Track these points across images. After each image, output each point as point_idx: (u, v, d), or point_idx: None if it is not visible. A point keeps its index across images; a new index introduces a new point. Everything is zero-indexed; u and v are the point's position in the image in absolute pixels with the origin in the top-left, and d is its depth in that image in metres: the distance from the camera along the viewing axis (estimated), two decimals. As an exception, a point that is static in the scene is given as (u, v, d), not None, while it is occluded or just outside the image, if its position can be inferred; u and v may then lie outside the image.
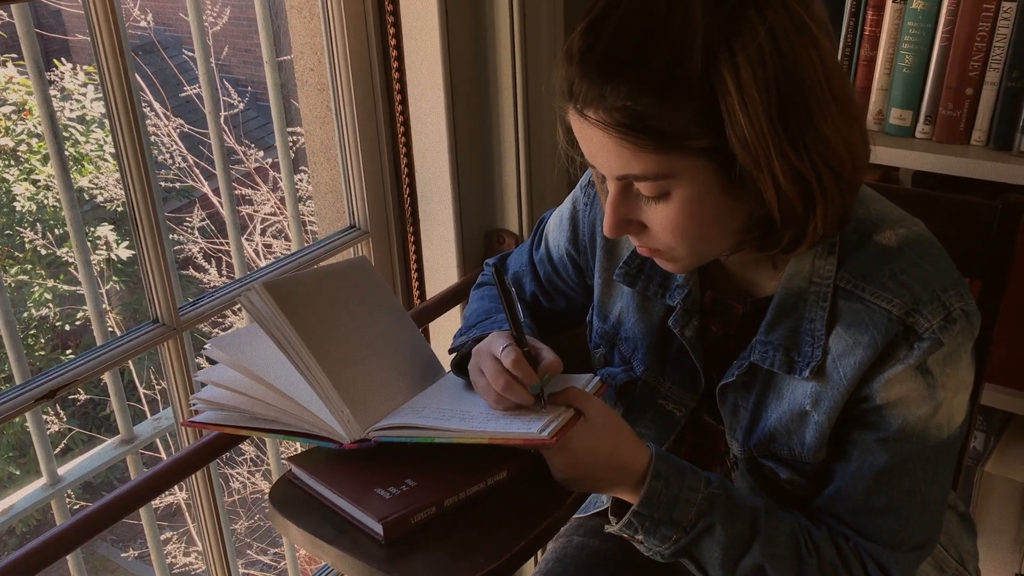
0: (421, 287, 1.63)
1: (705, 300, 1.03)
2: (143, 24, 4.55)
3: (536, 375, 0.97)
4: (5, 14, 5.33)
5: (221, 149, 1.45)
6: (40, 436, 1.31)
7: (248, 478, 4.89)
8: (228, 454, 4.79)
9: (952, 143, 1.37)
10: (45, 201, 5.89)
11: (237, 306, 1.44)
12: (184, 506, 4.94)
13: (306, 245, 1.53)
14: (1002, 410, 1.47)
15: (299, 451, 1.05)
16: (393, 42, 1.47)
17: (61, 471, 1.37)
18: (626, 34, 0.80)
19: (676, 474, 0.95)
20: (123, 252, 5.99)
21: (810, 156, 0.81)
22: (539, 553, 1.65)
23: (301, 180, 4.39)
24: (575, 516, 1.26)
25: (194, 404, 1.04)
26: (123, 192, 1.20)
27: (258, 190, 4.28)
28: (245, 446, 4.78)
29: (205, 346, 1.06)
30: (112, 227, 6.03)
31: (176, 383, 1.31)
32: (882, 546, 0.95)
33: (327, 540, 0.93)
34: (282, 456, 1.98)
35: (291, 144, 1.73)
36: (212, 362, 1.07)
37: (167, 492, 4.78)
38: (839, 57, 1.43)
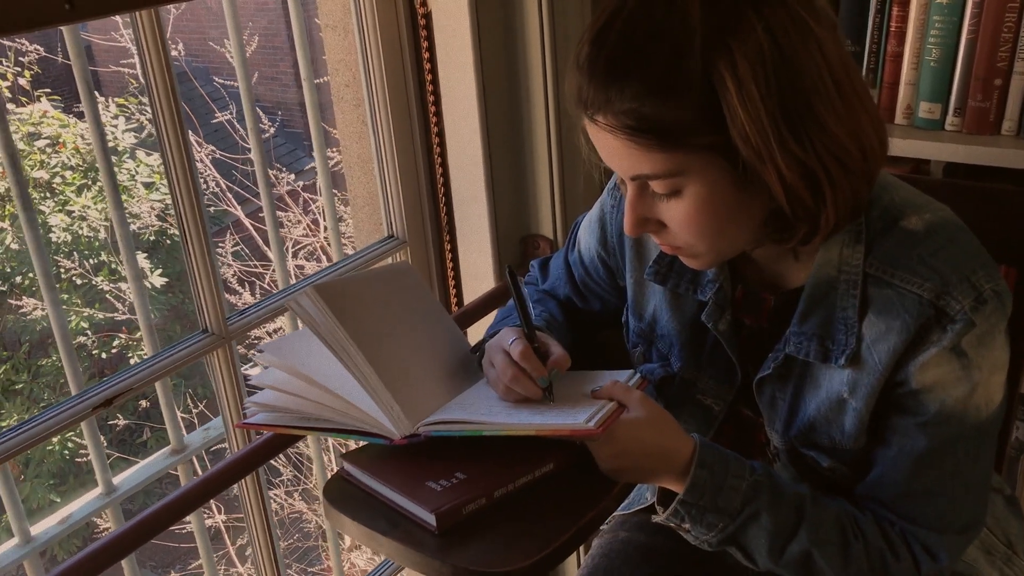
0: (459, 293, 1.66)
1: (736, 294, 1.05)
2: (174, 54, 4.65)
3: (544, 369, 1.00)
4: (42, 48, 5.46)
5: (262, 160, 1.49)
6: (95, 445, 1.35)
7: (285, 499, 4.93)
8: (265, 475, 4.83)
9: (982, 134, 1.38)
10: (80, 231, 5.99)
11: (275, 320, 1.47)
12: (223, 528, 4.99)
13: (347, 255, 1.56)
14: (1043, 398, 1.47)
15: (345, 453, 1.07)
16: (427, 55, 1.51)
17: (115, 480, 1.40)
18: (628, 40, 0.83)
19: (720, 463, 0.96)
20: (156, 280, 6.08)
21: (815, 149, 0.83)
22: (582, 552, 1.67)
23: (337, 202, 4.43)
24: (619, 513, 1.28)
25: (247, 407, 1.07)
26: (171, 207, 1.23)
27: (290, 212, 4.35)
28: (282, 467, 4.82)
29: (255, 351, 1.09)
30: (146, 255, 6.12)
31: (225, 390, 1.35)
32: (928, 530, 0.95)
33: (382, 532, 0.96)
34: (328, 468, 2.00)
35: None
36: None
37: (207, 515, 4.83)
38: (865, 54, 1.45)
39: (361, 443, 1.06)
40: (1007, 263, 1.20)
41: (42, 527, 1.33)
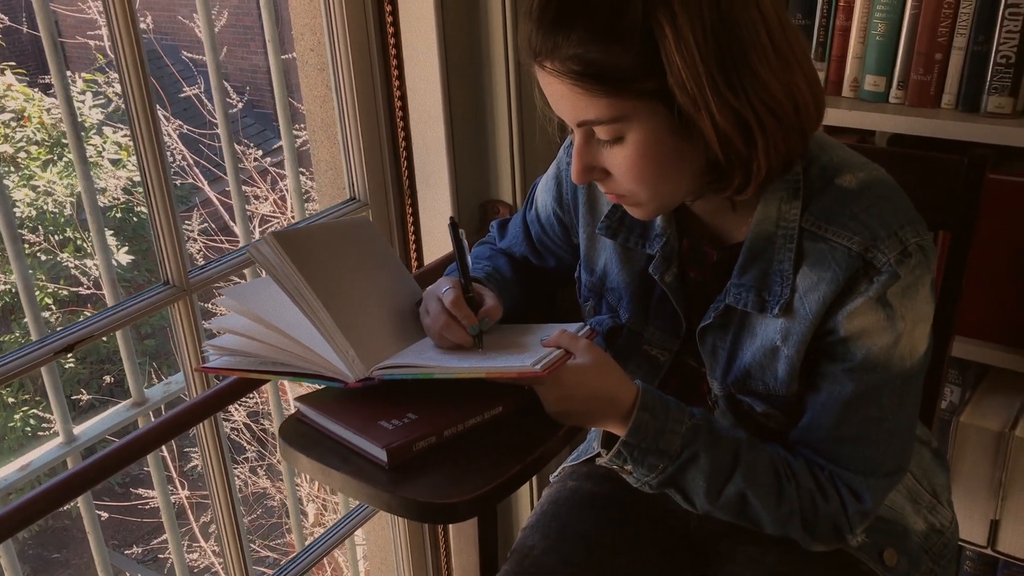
0: (419, 256, 1.69)
1: (682, 248, 1.10)
2: (142, 26, 4.61)
3: (475, 317, 1.06)
4: (7, 18, 5.39)
5: (227, 128, 1.51)
6: (56, 394, 1.37)
7: (250, 476, 4.95)
8: (230, 452, 4.83)
9: (923, 106, 1.43)
10: (45, 207, 5.95)
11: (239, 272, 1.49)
12: (187, 505, 4.99)
13: (309, 215, 1.59)
14: (977, 363, 1.54)
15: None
16: (390, 19, 1.54)
17: (76, 431, 1.42)
18: None
19: (662, 407, 1.01)
20: (122, 257, 6.04)
21: (748, 98, 0.88)
22: (535, 500, 1.71)
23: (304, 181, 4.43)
24: (567, 464, 1.32)
25: (206, 351, 1.10)
26: (138, 184, 1.25)
27: (257, 188, 4.35)
28: (246, 444, 4.83)
29: (218, 295, 1.12)
30: (112, 233, 6.09)
31: (186, 343, 1.37)
32: (854, 472, 1.00)
33: (334, 467, 0.99)
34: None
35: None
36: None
37: (170, 491, 4.82)
38: (815, 28, 1.49)
39: (317, 386, 1.09)
40: (944, 228, 1.26)
41: (2, 473, 1.35)
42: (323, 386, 1.08)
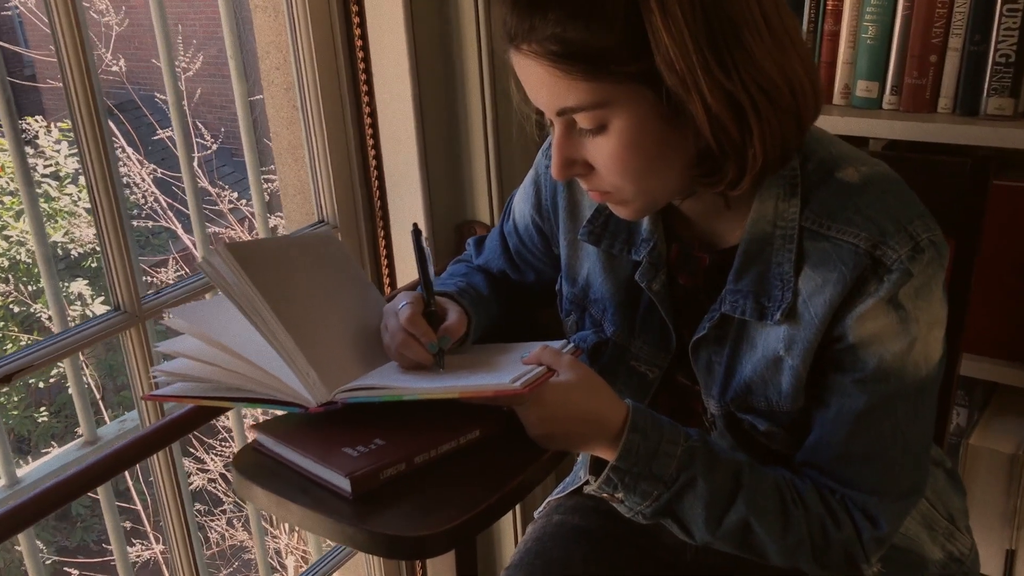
0: (392, 280, 1.61)
1: (671, 253, 1.02)
2: (115, 69, 4.55)
3: (434, 334, 0.98)
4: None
5: (189, 165, 1.43)
6: (-3, 433, 1.27)
7: (227, 529, 4.79)
8: (207, 505, 4.69)
9: (919, 111, 1.37)
10: (18, 256, 5.85)
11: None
12: (161, 560, 4.82)
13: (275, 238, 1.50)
14: (985, 381, 1.46)
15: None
16: (358, 32, 1.47)
17: (20, 473, 1.32)
18: None
19: (654, 427, 0.92)
20: (98, 308, 5.93)
21: (741, 78, 0.81)
22: (519, 537, 1.61)
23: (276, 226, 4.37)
24: (553, 497, 1.23)
25: (155, 376, 1.01)
26: (88, 196, 1.17)
27: (231, 229, 4.27)
28: (223, 495, 4.69)
29: (167, 315, 1.03)
30: (87, 283, 6.00)
31: (139, 373, 1.27)
32: (868, 494, 0.92)
33: (292, 499, 0.90)
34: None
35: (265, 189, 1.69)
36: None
37: (143, 546, 4.66)
38: (804, 32, 1.44)
39: (277, 413, 1.00)
40: (946, 234, 1.18)
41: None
42: (283, 412, 0.99)
